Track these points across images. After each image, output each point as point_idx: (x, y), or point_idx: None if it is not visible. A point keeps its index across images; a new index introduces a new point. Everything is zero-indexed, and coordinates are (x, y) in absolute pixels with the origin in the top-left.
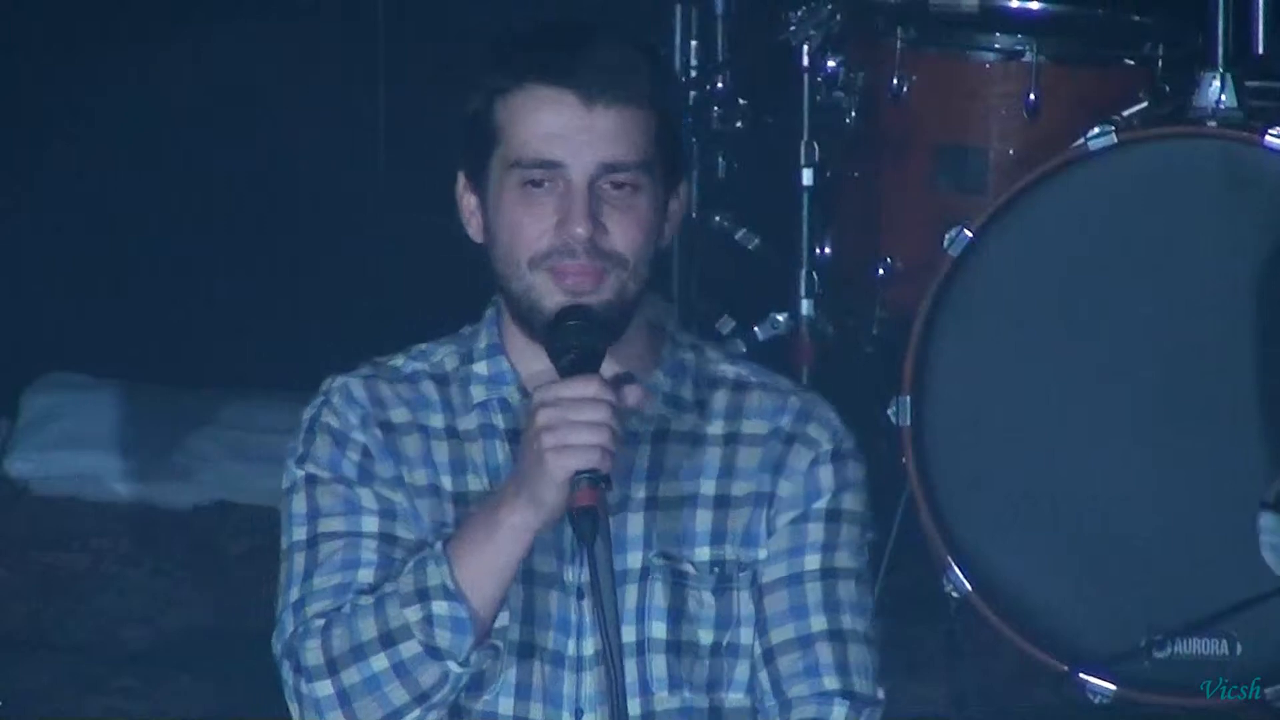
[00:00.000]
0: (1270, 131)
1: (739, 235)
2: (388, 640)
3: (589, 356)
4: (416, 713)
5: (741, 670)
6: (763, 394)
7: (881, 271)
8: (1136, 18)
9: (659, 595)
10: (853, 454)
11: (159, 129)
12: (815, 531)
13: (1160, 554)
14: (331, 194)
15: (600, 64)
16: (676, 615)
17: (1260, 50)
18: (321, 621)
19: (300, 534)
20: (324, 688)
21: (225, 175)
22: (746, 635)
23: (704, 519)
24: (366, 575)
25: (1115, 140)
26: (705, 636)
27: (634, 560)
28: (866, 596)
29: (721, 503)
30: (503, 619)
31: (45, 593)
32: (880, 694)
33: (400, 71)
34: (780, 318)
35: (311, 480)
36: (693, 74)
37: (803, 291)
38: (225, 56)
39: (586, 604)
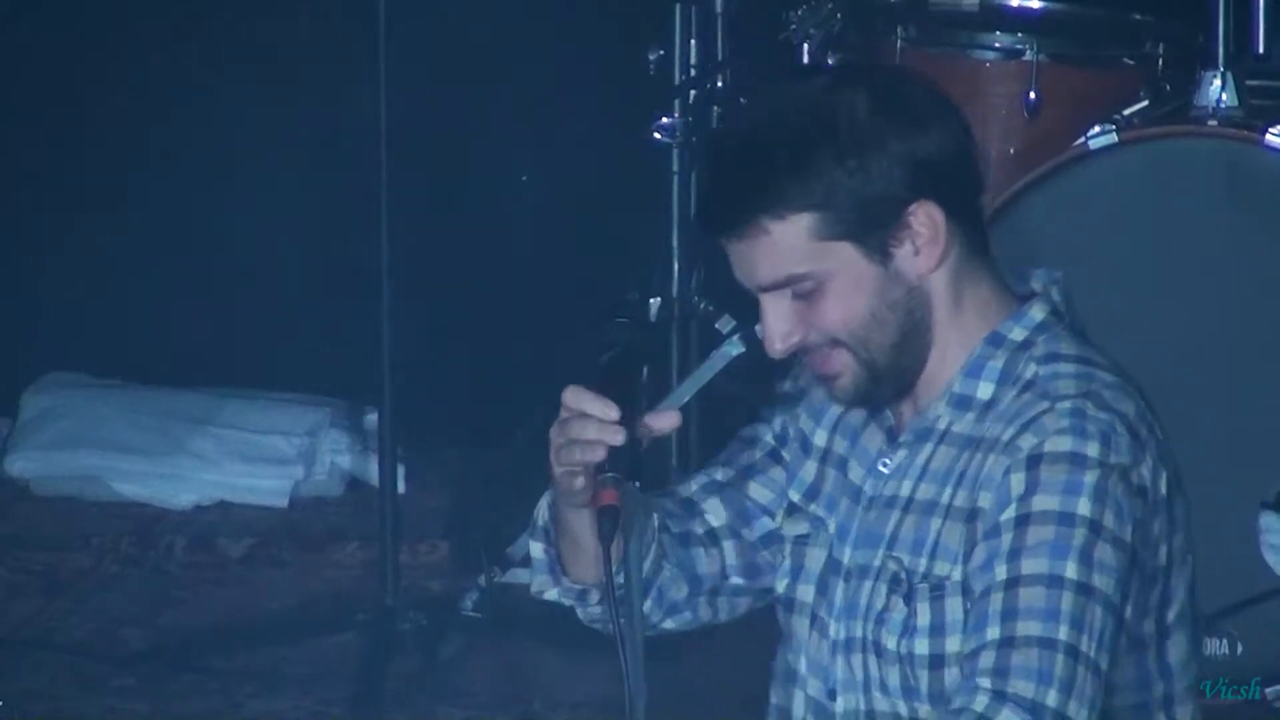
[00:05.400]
0: (1271, 131)
1: None
2: None
3: (626, 356)
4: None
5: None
6: (1030, 396)
7: None
8: (1137, 16)
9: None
10: (1063, 457)
11: (158, 129)
12: (1005, 541)
13: None
14: (331, 194)
15: (716, 204)
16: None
17: (1260, 49)
18: None
19: None
20: None
21: (225, 174)
22: (954, 644)
23: (935, 526)
24: None
25: (1116, 139)
26: (921, 646)
27: (874, 558)
28: (1078, 606)
29: (943, 511)
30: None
31: (45, 593)
32: (1072, 711)
33: (401, 71)
34: None
35: None
36: (693, 74)
37: None
38: (225, 55)
39: (848, 586)
